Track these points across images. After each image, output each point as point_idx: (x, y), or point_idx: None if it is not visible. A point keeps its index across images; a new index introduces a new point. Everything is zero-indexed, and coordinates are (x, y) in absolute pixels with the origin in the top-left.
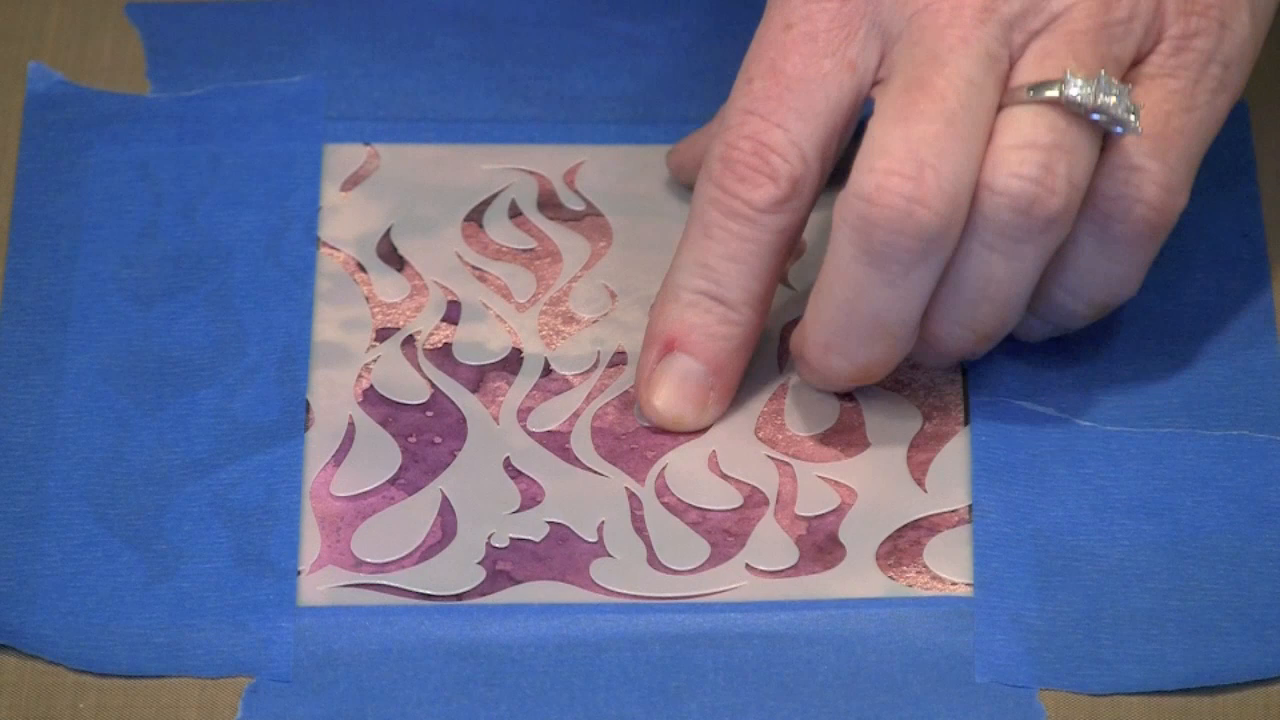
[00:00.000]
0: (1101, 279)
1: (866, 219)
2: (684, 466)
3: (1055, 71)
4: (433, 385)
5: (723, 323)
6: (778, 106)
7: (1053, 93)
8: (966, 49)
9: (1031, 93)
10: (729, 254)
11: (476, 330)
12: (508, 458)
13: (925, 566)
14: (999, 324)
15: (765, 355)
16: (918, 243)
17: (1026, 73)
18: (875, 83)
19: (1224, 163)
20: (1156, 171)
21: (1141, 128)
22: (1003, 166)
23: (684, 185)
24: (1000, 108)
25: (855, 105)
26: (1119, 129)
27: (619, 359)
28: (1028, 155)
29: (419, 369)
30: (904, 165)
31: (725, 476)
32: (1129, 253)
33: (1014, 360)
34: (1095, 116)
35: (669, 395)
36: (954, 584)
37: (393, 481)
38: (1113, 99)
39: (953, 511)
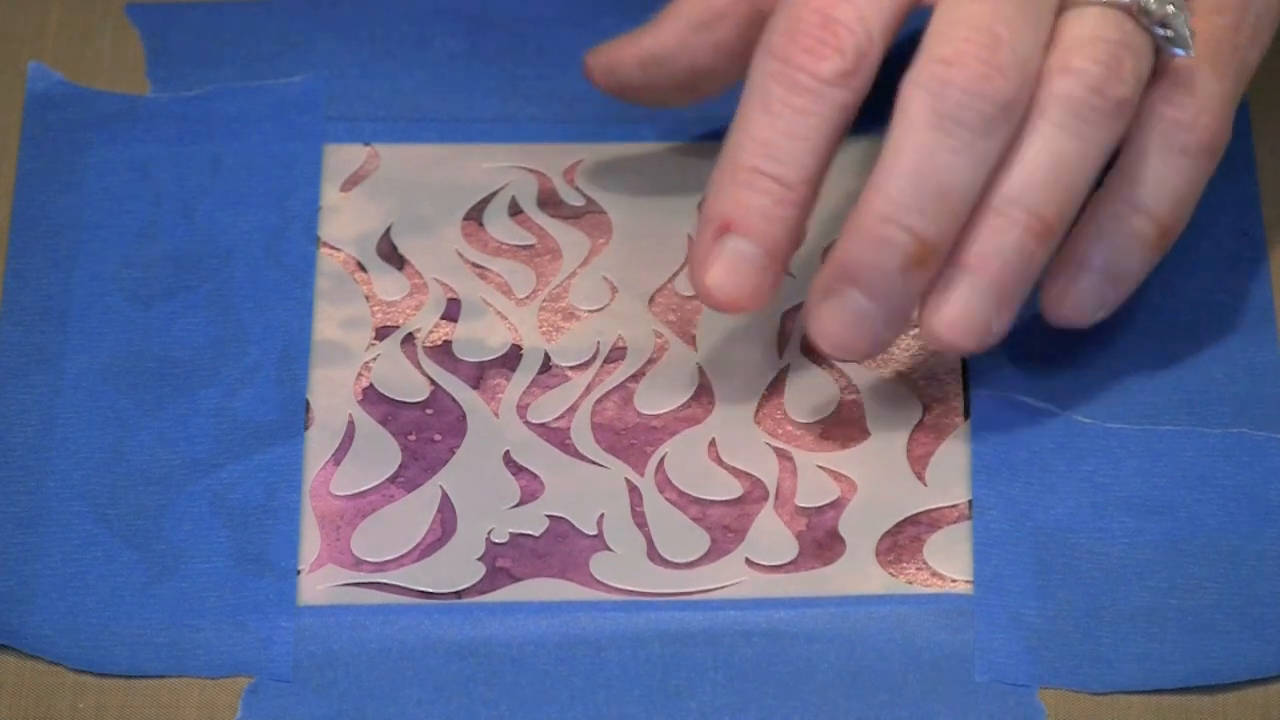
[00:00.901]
0: (1168, 192)
1: (943, 80)
2: (684, 455)
3: None
4: (432, 383)
5: (780, 203)
6: None
7: None
8: None
9: None
10: (790, 130)
11: (476, 327)
12: (507, 451)
13: (925, 563)
14: (1059, 214)
15: (765, 342)
16: (992, 107)
17: None
18: None
19: (1224, 162)
20: (1218, 91)
21: (1195, 53)
22: (1075, 51)
23: (606, 90)
24: (1065, 8)
25: None
26: (1178, 49)
27: (618, 352)
28: (1100, 44)
29: (419, 367)
30: (980, 34)
31: (725, 465)
32: (1193, 167)
33: (1014, 356)
34: (1159, 31)
35: (724, 278)
36: (954, 581)
37: (392, 480)
38: (1179, 16)
39: (953, 507)
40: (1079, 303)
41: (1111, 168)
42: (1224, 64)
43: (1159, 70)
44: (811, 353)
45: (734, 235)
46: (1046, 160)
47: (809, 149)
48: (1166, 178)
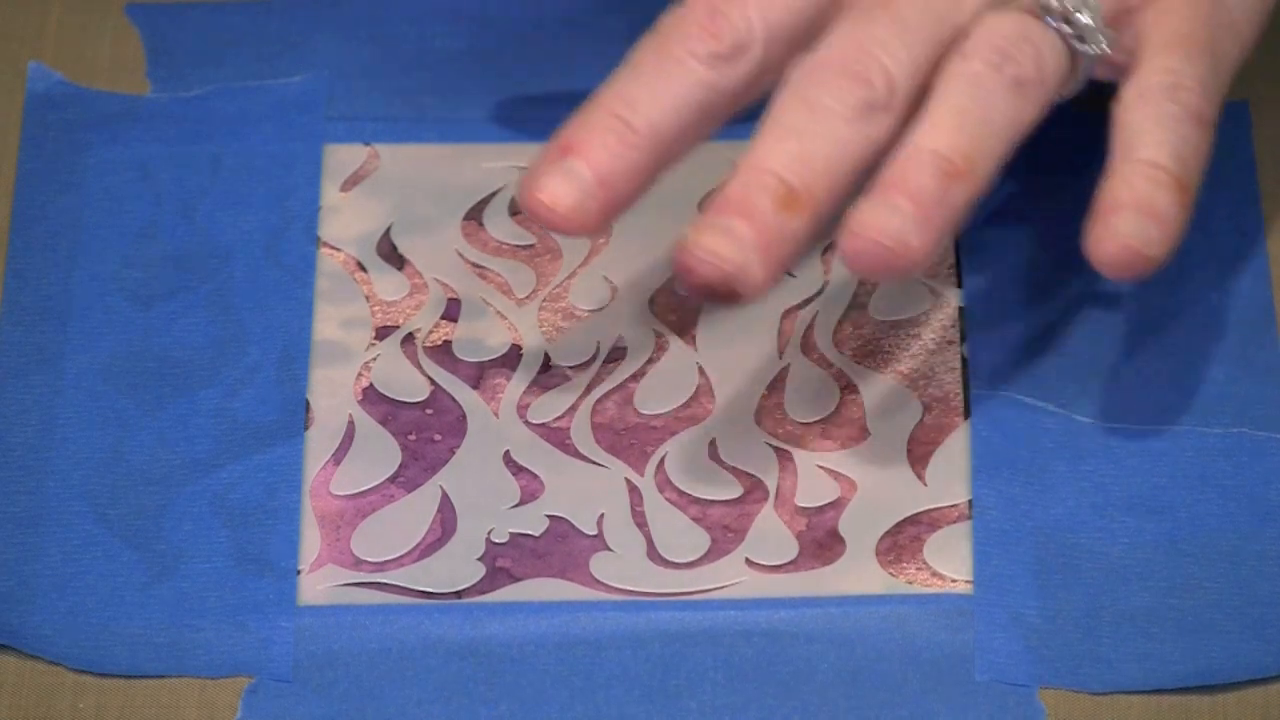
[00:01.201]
0: (1168, 148)
1: (815, 73)
2: (684, 455)
3: None
4: (432, 383)
5: (623, 142)
6: None
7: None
8: None
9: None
10: (649, 87)
11: (476, 327)
12: (507, 451)
13: (925, 563)
14: (966, 158)
15: (765, 342)
16: (856, 102)
17: None
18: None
19: (1224, 163)
20: (1190, 71)
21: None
22: (973, 43)
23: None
24: (970, 23)
25: (812, 18)
26: (1086, 46)
27: (618, 352)
28: (997, 37)
29: (419, 367)
30: (857, 49)
31: (725, 465)
32: (1180, 126)
33: (1013, 354)
34: (1064, 28)
35: (551, 188)
36: (954, 581)
37: (392, 479)
38: (1084, 13)
39: (952, 506)
40: (1126, 239)
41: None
42: (1196, 49)
43: (1139, 59)
44: (811, 352)
45: (572, 157)
46: (947, 116)
47: (663, 107)
48: (1162, 137)
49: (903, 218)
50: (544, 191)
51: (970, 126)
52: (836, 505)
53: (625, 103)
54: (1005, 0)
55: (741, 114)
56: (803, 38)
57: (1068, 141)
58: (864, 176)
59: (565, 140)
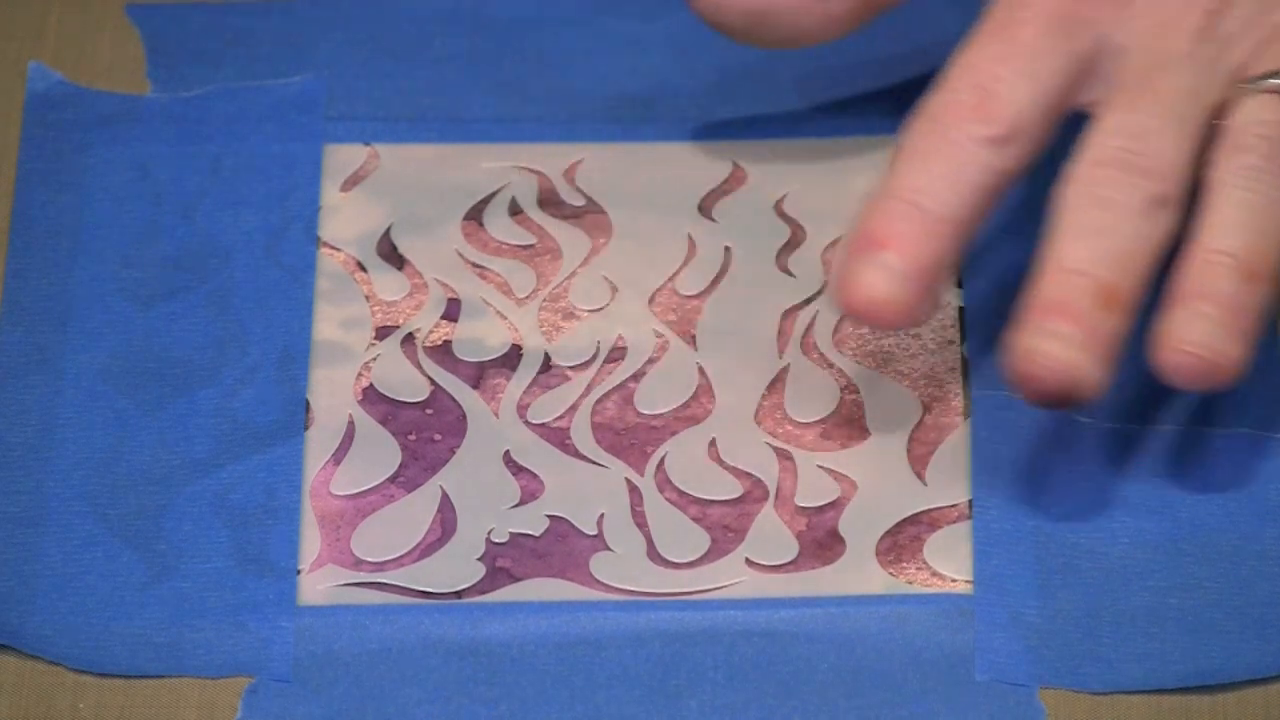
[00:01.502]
0: None
1: (1095, 178)
2: (684, 455)
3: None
4: (432, 383)
5: (928, 234)
6: (1005, 65)
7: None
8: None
9: (1255, 83)
10: (941, 174)
11: (476, 327)
12: (507, 451)
13: (925, 563)
14: (1261, 259)
15: (765, 342)
16: (1143, 196)
17: (1253, 66)
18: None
19: None
20: None
21: None
22: (1242, 134)
23: (703, 20)
24: (1225, 105)
25: (1070, 89)
26: None
27: (618, 352)
28: (1263, 125)
29: (419, 367)
30: (1133, 141)
31: (725, 465)
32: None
33: None
34: None
35: (872, 286)
36: (954, 581)
37: (392, 479)
38: None
39: (953, 506)
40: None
41: None
42: None
43: None
44: (811, 352)
45: (882, 251)
46: (1234, 215)
47: (957, 196)
48: None
49: (1213, 325)
50: (861, 287)
51: (1258, 224)
52: (836, 505)
53: (919, 192)
54: (1242, 71)
55: (740, 115)
56: (1061, 107)
57: (1068, 142)
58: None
59: (870, 234)
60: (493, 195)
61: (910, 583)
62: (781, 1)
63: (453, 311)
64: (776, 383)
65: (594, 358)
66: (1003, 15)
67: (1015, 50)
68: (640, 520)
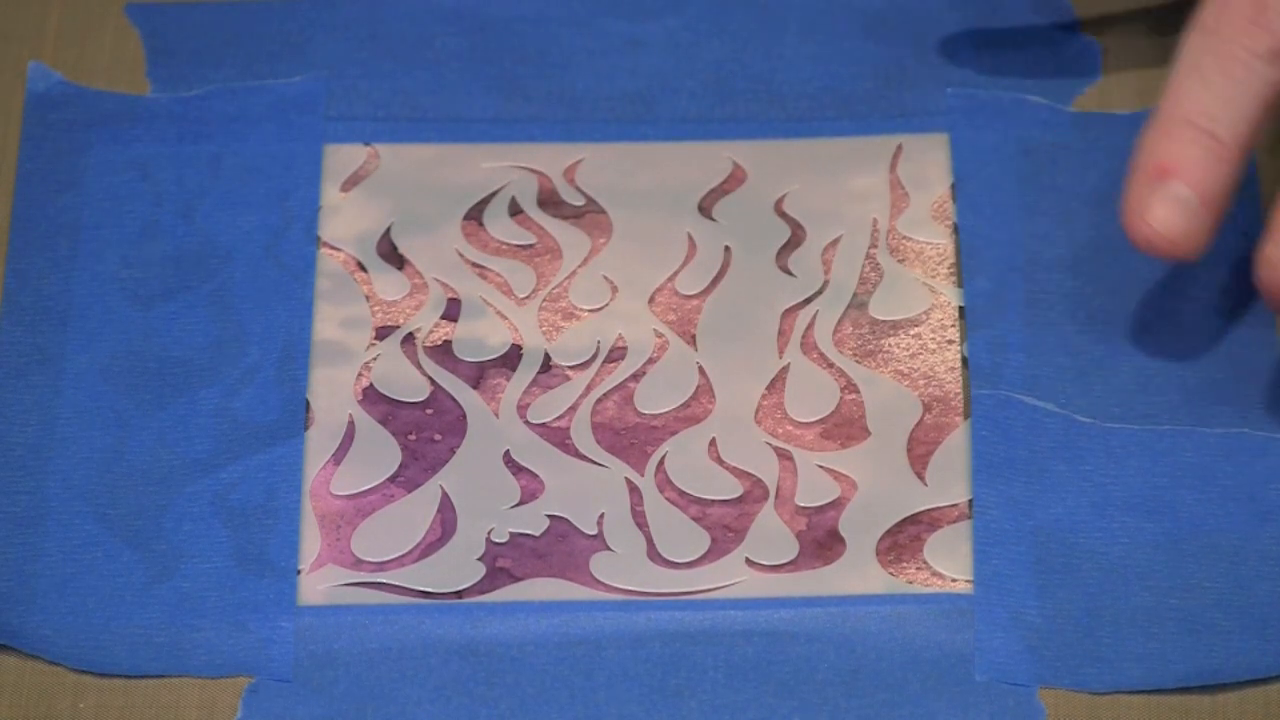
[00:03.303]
0: None
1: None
2: (684, 455)
3: None
4: (433, 383)
5: (1216, 159)
6: None
7: None
8: None
9: None
10: (1224, 96)
11: (476, 327)
12: (507, 451)
13: (925, 563)
14: None
15: (765, 342)
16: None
17: None
18: None
19: None
20: None
21: None
22: None
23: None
24: None
25: None
26: None
27: (618, 352)
28: None
29: (419, 367)
30: None
31: (725, 465)
32: None
33: (1013, 355)
34: None
35: (1165, 219)
36: (954, 581)
37: (392, 479)
38: None
39: (953, 506)
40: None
41: None
42: None
43: None
44: (811, 352)
45: (1173, 180)
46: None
47: (1241, 115)
48: None
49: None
50: (1156, 221)
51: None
52: (836, 505)
53: (1206, 115)
54: None
55: (740, 115)
56: None
57: (1068, 142)
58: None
59: (1159, 162)
60: (493, 195)
61: (910, 582)
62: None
63: (453, 311)
64: (776, 382)
65: (594, 357)
66: None
67: None
68: (640, 520)
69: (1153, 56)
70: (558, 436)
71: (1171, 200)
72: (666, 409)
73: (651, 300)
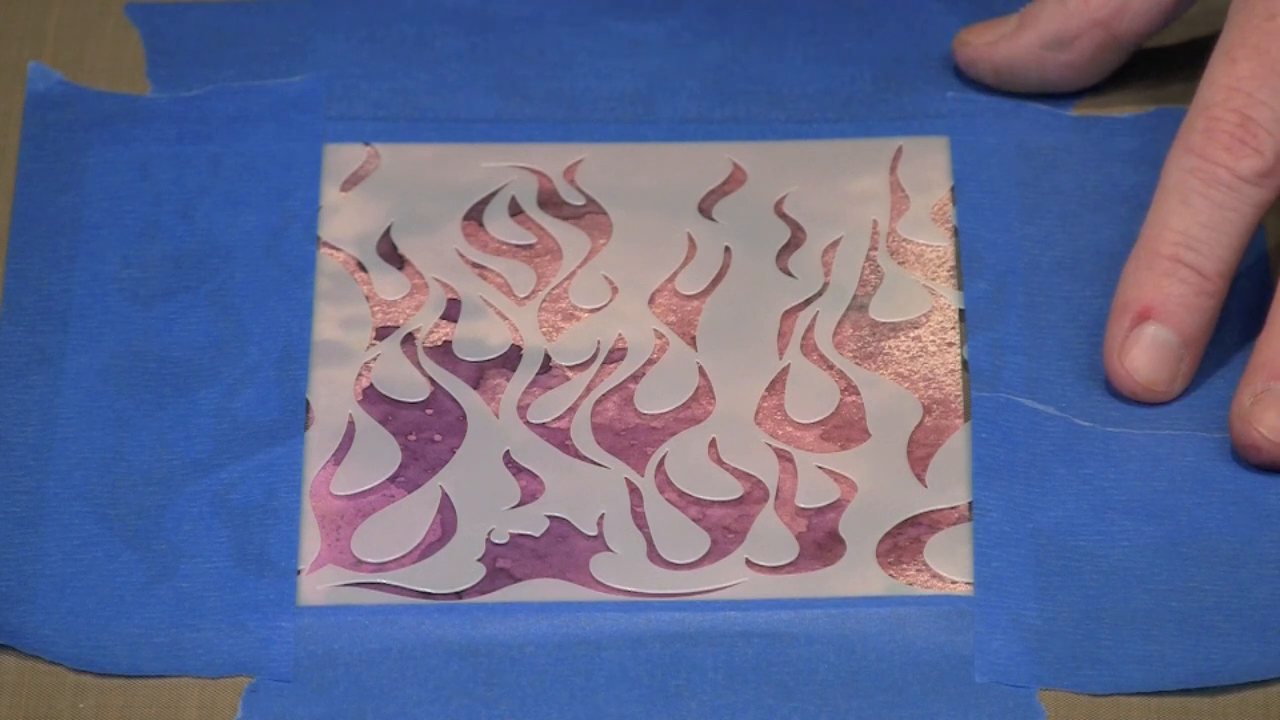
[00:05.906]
0: None
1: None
2: (684, 455)
3: None
4: (433, 383)
5: (1199, 294)
6: (1263, 86)
7: None
8: None
9: None
10: (1208, 223)
11: (476, 327)
12: (507, 451)
13: (925, 565)
14: None
15: (765, 342)
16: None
17: None
18: None
19: None
20: None
21: None
22: None
23: (967, 75)
24: None
25: None
26: None
27: (618, 352)
28: None
29: (419, 367)
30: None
31: (725, 466)
32: None
33: (1013, 357)
34: None
35: (1143, 363)
36: (954, 582)
37: (392, 480)
38: None
39: (953, 508)
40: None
41: None
42: None
43: None
44: (811, 353)
45: (1153, 322)
46: None
47: (1226, 242)
48: None
49: None
50: (1135, 370)
51: None
52: (837, 506)
53: (1188, 245)
54: None
55: (740, 115)
56: None
57: (1068, 145)
58: None
59: (1139, 300)
60: (493, 195)
61: (910, 584)
62: (1021, 57)
63: (453, 311)
64: (776, 383)
65: (594, 358)
66: (1253, 27)
67: (1270, 67)
68: (640, 521)
69: (1153, 59)
70: (558, 437)
71: (1150, 344)
72: (667, 409)
73: (652, 301)
